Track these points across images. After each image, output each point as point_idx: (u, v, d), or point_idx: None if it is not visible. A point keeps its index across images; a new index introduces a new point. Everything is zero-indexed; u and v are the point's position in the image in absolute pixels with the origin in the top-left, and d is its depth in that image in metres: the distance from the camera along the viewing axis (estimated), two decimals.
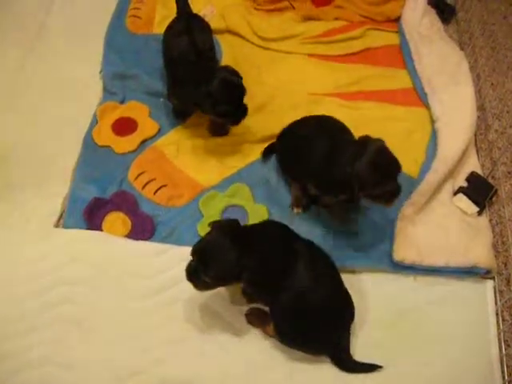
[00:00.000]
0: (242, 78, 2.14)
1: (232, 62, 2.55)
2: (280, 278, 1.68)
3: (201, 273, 1.64)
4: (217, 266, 1.63)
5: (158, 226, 2.07)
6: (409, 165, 2.19)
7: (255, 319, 1.85)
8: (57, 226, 2.10)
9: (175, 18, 2.39)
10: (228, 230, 1.68)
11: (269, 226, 1.82)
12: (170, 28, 2.37)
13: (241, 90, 2.12)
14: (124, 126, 2.33)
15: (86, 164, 2.24)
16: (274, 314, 1.76)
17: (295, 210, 2.07)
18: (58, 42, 2.71)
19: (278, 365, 1.78)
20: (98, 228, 2.06)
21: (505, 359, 1.81)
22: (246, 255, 1.64)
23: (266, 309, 1.79)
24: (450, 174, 2.16)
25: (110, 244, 2.02)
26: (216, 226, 1.70)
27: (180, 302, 1.90)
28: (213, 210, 2.06)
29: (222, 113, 2.11)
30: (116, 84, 2.48)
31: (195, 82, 2.12)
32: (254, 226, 1.81)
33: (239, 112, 2.14)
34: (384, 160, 1.81)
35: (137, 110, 2.39)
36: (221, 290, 1.90)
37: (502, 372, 1.79)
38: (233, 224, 1.72)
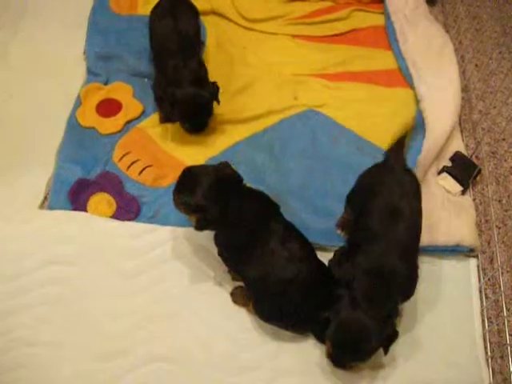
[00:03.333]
0: (213, 94, 2.16)
1: (216, 43, 2.55)
2: (248, 247, 1.71)
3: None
4: (186, 190, 1.73)
5: (143, 207, 2.06)
6: None
7: (239, 298, 1.86)
8: (41, 207, 2.08)
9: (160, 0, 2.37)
10: (221, 173, 1.74)
11: (260, 196, 1.80)
12: (154, 11, 2.34)
13: (200, 109, 2.16)
14: (108, 107, 2.32)
15: (71, 145, 2.22)
16: (247, 288, 1.80)
17: (339, 231, 2.00)
18: (41, 24, 2.67)
19: (264, 343, 1.79)
20: (83, 209, 2.05)
21: (488, 335, 1.84)
22: (214, 202, 1.70)
23: None
24: (439, 153, 2.17)
25: (96, 224, 2.01)
26: (219, 165, 1.77)
27: (166, 281, 1.90)
28: None
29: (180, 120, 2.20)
30: (100, 65, 2.46)
31: (178, 72, 2.14)
32: (249, 189, 1.81)
33: (193, 125, 2.21)
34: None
35: (121, 90, 2.37)
36: (207, 269, 1.92)
37: (485, 348, 1.81)
38: (231, 175, 1.77)
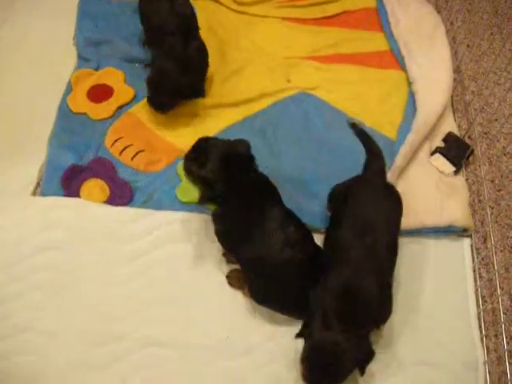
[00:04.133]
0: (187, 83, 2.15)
1: (207, 26, 2.53)
2: (246, 227, 1.71)
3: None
4: (196, 160, 1.73)
5: (136, 192, 2.06)
6: (387, 127, 2.21)
7: (235, 281, 1.86)
8: (34, 194, 2.08)
9: None
10: (234, 151, 1.74)
11: (264, 180, 1.80)
12: None
13: (161, 86, 2.14)
14: (99, 93, 2.31)
15: (62, 131, 2.21)
16: (242, 270, 1.81)
17: (328, 213, 1.98)
18: (31, 10, 2.66)
19: (260, 326, 1.79)
20: (76, 195, 2.04)
21: (482, 314, 1.85)
22: (220, 177, 1.70)
23: None
24: (430, 133, 2.18)
25: (90, 210, 2.00)
26: (235, 142, 1.77)
27: (161, 266, 1.90)
28: None
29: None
30: (90, 50, 2.45)
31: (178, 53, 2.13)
32: (256, 171, 1.80)
33: (153, 101, 2.19)
34: None
35: (112, 76, 2.36)
36: (202, 253, 1.92)
37: (480, 327, 1.82)
38: (242, 154, 1.75)
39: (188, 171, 1.76)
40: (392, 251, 1.69)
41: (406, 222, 1.94)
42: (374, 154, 1.84)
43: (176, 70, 2.11)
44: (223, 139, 1.79)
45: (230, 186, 1.71)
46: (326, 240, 1.80)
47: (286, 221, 1.73)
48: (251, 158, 1.78)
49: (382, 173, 1.83)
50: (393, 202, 1.77)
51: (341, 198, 1.80)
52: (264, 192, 1.76)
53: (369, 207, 1.71)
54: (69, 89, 2.34)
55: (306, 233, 1.78)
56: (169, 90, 2.14)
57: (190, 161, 1.75)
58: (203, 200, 1.75)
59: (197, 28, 2.27)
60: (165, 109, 2.21)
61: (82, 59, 2.43)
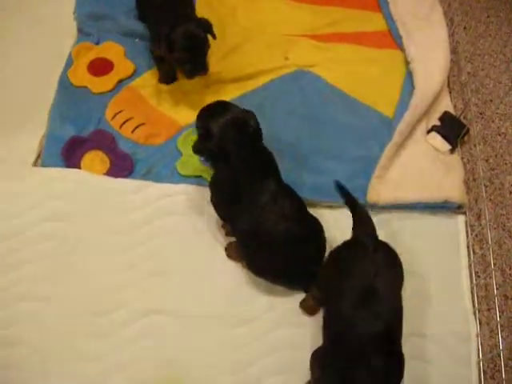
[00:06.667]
0: (207, 33, 2.10)
1: (206, 3, 2.53)
2: (240, 198, 1.72)
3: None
4: (208, 115, 1.77)
5: (136, 164, 2.07)
6: (385, 105, 2.24)
7: (234, 253, 1.88)
8: (35, 165, 2.09)
9: None
10: (242, 122, 1.74)
11: (263, 151, 1.81)
12: None
13: (200, 43, 2.09)
14: (100, 67, 2.31)
15: (63, 104, 2.22)
16: (237, 241, 1.84)
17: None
18: None
19: (259, 295, 1.83)
20: (77, 166, 2.06)
21: (475, 289, 1.89)
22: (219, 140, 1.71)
23: None
24: (427, 111, 2.20)
25: (90, 181, 2.02)
26: (248, 112, 1.77)
27: (161, 237, 1.93)
28: (191, 149, 2.07)
29: (177, 59, 2.11)
30: (91, 24, 2.44)
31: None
32: (261, 145, 1.81)
33: (195, 65, 2.12)
34: None
35: (112, 50, 2.37)
36: (202, 225, 1.94)
37: (473, 301, 1.86)
38: (249, 126, 1.75)
39: (197, 118, 1.79)
40: (399, 316, 1.53)
41: (403, 197, 1.99)
42: (362, 217, 1.72)
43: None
44: (235, 106, 1.80)
45: (226, 150, 1.72)
46: (326, 320, 1.61)
47: (281, 193, 1.74)
48: (257, 133, 1.78)
49: (374, 235, 1.66)
50: (390, 260, 1.62)
51: (331, 269, 1.68)
52: (262, 165, 1.77)
53: (368, 272, 1.52)
54: (69, 62, 2.34)
55: (300, 205, 1.80)
56: (204, 44, 2.11)
57: (204, 112, 1.79)
58: (195, 148, 1.80)
59: (192, 4, 2.28)
60: (205, 68, 2.15)
61: (83, 33, 2.44)
